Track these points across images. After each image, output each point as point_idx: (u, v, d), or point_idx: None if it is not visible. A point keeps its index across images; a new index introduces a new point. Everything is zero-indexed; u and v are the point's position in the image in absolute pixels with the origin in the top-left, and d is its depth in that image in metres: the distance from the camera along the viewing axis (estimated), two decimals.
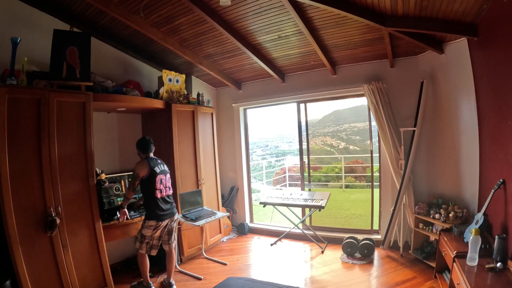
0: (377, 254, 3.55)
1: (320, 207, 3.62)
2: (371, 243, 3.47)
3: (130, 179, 3.00)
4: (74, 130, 2.59)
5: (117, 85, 3.23)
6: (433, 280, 2.79)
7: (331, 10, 2.52)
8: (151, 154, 2.88)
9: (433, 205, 3.17)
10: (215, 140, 4.24)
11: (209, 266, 3.49)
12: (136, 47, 3.70)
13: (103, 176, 2.90)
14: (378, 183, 3.97)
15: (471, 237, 2.02)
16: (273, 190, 5.35)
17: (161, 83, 3.64)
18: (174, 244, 2.98)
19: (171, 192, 2.92)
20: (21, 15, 2.76)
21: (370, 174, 4.47)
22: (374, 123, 3.69)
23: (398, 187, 3.44)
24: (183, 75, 3.78)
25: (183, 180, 3.61)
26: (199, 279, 3.14)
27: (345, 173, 9.45)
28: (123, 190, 3.25)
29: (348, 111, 15.61)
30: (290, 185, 8.62)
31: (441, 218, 2.87)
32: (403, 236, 3.49)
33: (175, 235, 2.99)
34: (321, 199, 3.76)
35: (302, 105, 4.38)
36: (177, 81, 3.70)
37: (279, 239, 4.21)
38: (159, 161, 2.89)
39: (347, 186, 9.30)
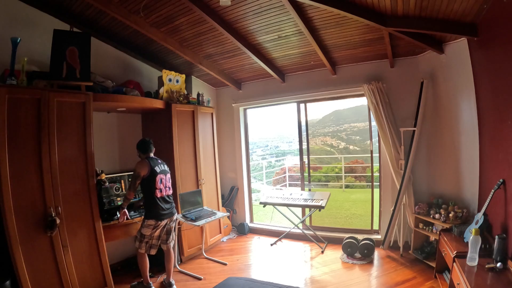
0: (377, 254, 3.55)
1: (320, 207, 3.62)
2: (371, 243, 3.47)
3: (130, 179, 3.00)
4: (74, 130, 2.59)
5: (117, 85, 3.23)
6: (433, 280, 2.79)
7: (331, 10, 2.52)
8: (151, 155, 2.89)
9: (433, 205, 3.17)
10: (215, 140, 4.24)
11: (209, 266, 3.49)
12: (136, 47, 3.70)
13: (103, 176, 2.90)
14: (378, 183, 3.97)
15: (471, 237, 2.02)
16: (273, 190, 5.35)
17: (161, 83, 3.64)
18: (173, 243, 2.98)
19: (171, 192, 2.93)
20: (21, 15, 2.76)
21: (370, 174, 4.47)
22: (374, 123, 3.69)
23: (398, 187, 3.44)
24: (183, 75, 3.78)
25: (183, 180, 3.61)
26: (199, 279, 3.14)
27: (345, 173, 9.44)
28: (123, 190, 3.26)
29: (348, 111, 15.60)
30: (290, 185, 8.61)
31: (441, 218, 2.87)
32: (403, 236, 3.49)
33: (173, 235, 2.99)
34: (321, 199, 3.76)
35: (302, 105, 4.37)
36: (177, 81, 3.70)
37: (279, 239, 4.21)
38: (159, 161, 2.89)
39: (347, 186, 9.30)
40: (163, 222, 2.80)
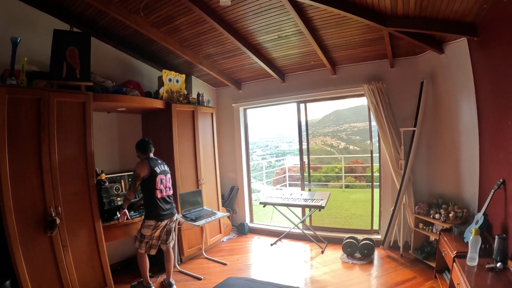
0: (377, 254, 3.55)
1: (320, 207, 3.62)
2: (371, 243, 3.47)
3: (130, 180, 3.00)
4: (74, 130, 2.59)
5: (117, 85, 3.23)
6: (433, 280, 2.79)
7: (331, 10, 2.52)
8: (151, 155, 2.89)
9: (433, 205, 3.17)
10: (215, 140, 4.24)
11: (209, 266, 3.49)
12: (136, 47, 3.70)
13: (103, 176, 2.90)
14: (378, 183, 3.97)
15: (471, 237, 2.02)
16: (273, 190, 5.35)
17: (161, 83, 3.64)
18: (172, 244, 2.98)
19: (171, 192, 2.92)
20: (21, 15, 2.76)
21: (370, 174, 4.47)
22: (374, 123, 3.69)
23: (398, 187, 3.44)
24: (183, 75, 3.78)
25: (183, 180, 3.61)
26: (199, 279, 3.14)
27: (345, 173, 9.44)
28: (123, 190, 3.26)
29: (348, 111, 15.61)
30: (290, 185, 8.61)
31: (441, 218, 2.87)
32: (403, 236, 3.49)
33: (173, 235, 2.99)
34: (321, 199, 3.76)
35: (302, 105, 4.37)
36: (177, 81, 3.70)
37: (279, 239, 4.21)
38: (159, 161, 2.89)
39: (347, 186, 9.30)
40: (163, 223, 2.80)
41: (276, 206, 4.13)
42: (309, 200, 3.83)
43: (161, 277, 3.11)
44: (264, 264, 3.51)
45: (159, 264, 3.07)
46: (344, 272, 3.19)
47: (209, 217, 3.36)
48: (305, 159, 4.46)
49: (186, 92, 3.80)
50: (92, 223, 2.64)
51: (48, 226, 2.30)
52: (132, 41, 3.53)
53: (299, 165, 4.55)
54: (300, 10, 2.68)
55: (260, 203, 4.18)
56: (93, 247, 2.64)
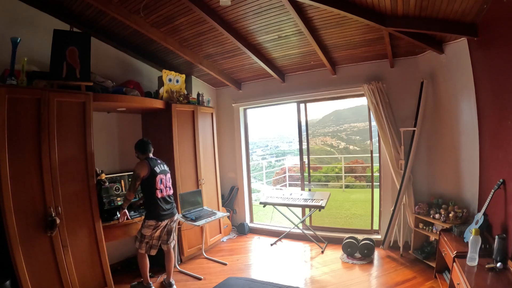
0: (377, 254, 3.55)
1: (320, 207, 3.62)
2: (371, 243, 3.47)
3: (130, 180, 3.00)
4: (74, 130, 2.59)
5: (117, 85, 3.23)
6: (433, 280, 2.79)
7: (331, 10, 2.53)
8: (151, 155, 2.89)
9: (433, 205, 3.17)
10: (215, 140, 4.24)
11: (209, 266, 3.49)
12: (136, 47, 3.70)
13: (103, 176, 2.90)
14: (378, 183, 3.97)
15: (471, 237, 2.02)
16: (273, 190, 5.35)
17: (161, 83, 3.64)
18: (173, 244, 2.98)
19: (171, 192, 2.92)
20: (21, 15, 2.76)
21: (370, 174, 4.47)
22: (374, 123, 3.69)
23: (398, 187, 3.44)
24: (183, 75, 3.78)
25: (183, 180, 3.61)
26: (199, 279, 3.14)
27: (345, 173, 9.44)
28: (123, 190, 3.26)
29: (348, 111, 15.61)
30: (290, 185, 8.61)
31: (441, 218, 2.87)
32: (403, 236, 3.49)
33: (174, 235, 2.99)
34: (321, 199, 3.76)
35: (302, 105, 4.37)
36: (177, 81, 3.70)
37: (279, 239, 4.21)
38: (159, 161, 2.89)
39: (347, 186, 9.30)
40: (164, 223, 2.80)
41: (276, 206, 4.13)
42: (309, 200, 3.83)
43: (161, 277, 3.11)
44: (264, 264, 3.51)
45: (159, 264, 3.07)
46: (344, 272, 3.19)
47: (209, 217, 3.36)
48: (305, 159, 4.46)
49: (186, 92, 3.80)
50: (92, 223, 2.64)
51: (48, 226, 2.31)
52: (132, 41, 3.53)
53: (299, 165, 4.55)
54: (300, 10, 2.68)
55: (260, 203, 4.18)
56: (93, 247, 2.64)
